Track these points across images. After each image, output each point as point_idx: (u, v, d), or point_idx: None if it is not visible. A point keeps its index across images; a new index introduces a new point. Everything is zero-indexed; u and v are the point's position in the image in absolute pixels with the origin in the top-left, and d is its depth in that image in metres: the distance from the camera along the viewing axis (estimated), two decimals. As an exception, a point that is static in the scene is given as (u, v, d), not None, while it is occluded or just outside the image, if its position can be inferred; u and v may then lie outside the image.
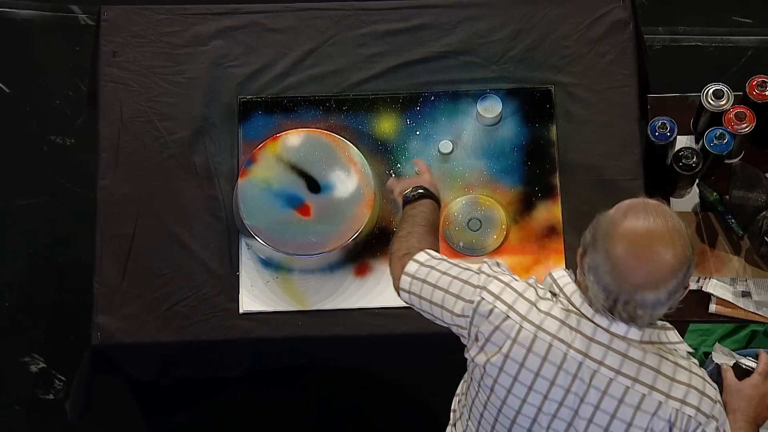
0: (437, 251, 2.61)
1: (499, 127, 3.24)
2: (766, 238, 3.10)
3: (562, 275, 2.41)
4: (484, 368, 2.40)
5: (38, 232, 3.90)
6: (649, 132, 3.16)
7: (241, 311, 3.11)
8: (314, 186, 3.14)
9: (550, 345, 2.35)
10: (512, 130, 3.24)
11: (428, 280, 2.51)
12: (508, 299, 2.40)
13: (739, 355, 2.80)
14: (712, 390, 2.37)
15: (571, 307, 2.36)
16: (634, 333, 2.32)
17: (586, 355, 2.33)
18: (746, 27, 4.08)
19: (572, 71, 3.28)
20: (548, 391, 2.37)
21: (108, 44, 3.31)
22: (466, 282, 2.46)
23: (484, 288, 2.43)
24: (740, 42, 4.06)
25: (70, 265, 3.83)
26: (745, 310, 3.15)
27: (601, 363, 2.33)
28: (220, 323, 3.10)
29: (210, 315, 3.11)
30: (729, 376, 2.60)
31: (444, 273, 2.51)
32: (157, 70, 3.28)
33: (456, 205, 3.18)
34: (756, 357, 2.63)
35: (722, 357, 2.84)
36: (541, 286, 2.43)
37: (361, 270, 3.15)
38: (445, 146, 3.21)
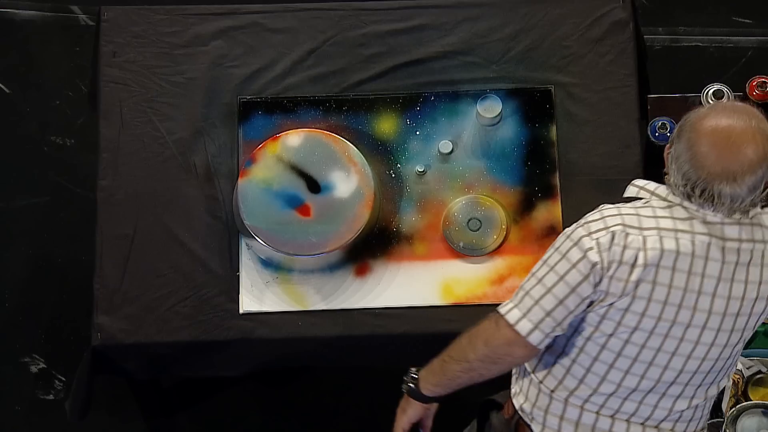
0: None
1: (499, 127, 3.24)
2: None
3: (646, 182, 2.49)
4: (635, 291, 2.38)
5: (38, 232, 3.89)
6: (649, 132, 3.16)
7: (241, 311, 3.11)
8: (314, 186, 3.14)
9: (692, 240, 2.39)
10: (512, 130, 3.24)
11: (533, 295, 2.43)
12: (612, 222, 2.40)
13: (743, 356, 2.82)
14: None
15: (674, 204, 2.42)
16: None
17: (721, 237, 2.40)
18: (746, 27, 4.08)
19: (572, 71, 3.28)
20: (701, 285, 2.41)
21: (108, 44, 3.30)
22: (560, 254, 2.43)
23: (581, 237, 2.41)
24: (740, 42, 4.05)
25: (70, 265, 3.82)
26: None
27: (739, 240, 2.40)
28: (220, 323, 3.10)
29: (210, 315, 3.11)
30: None
31: (534, 278, 2.45)
32: (157, 70, 3.28)
33: (456, 205, 3.18)
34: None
35: None
36: (612, 208, 2.45)
37: (361, 270, 3.15)
38: (445, 146, 3.21)
